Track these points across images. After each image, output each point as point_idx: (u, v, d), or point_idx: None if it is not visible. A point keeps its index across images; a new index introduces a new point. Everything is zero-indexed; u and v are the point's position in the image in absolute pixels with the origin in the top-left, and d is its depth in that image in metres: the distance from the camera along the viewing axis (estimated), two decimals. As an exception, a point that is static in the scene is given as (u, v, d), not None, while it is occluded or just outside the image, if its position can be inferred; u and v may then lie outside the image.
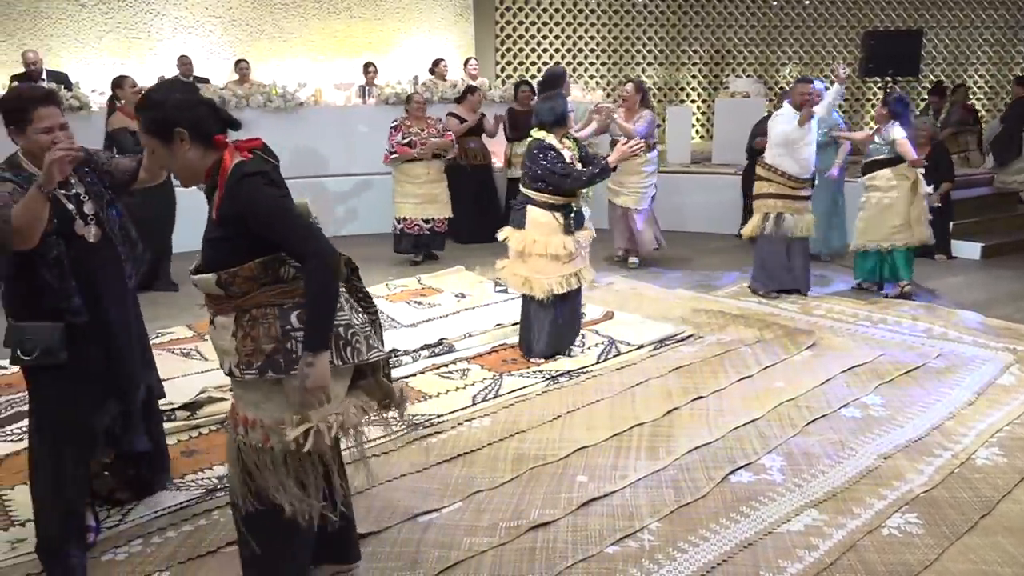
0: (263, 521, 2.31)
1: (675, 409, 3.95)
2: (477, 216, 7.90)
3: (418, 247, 7.32)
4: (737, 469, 3.36)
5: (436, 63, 9.52)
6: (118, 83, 6.32)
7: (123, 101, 6.15)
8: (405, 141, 7.03)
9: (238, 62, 9.20)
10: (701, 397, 4.09)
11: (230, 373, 2.25)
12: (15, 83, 7.75)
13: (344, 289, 2.33)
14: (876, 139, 5.88)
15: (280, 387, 2.19)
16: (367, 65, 9.70)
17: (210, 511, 3.06)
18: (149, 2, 10.21)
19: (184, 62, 9.15)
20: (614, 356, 4.71)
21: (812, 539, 2.86)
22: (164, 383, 3.20)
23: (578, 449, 3.54)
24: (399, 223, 7.19)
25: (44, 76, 8.18)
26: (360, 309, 2.37)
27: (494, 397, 4.15)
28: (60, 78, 8.29)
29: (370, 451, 3.50)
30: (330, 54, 11.07)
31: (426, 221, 7.18)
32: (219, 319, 2.23)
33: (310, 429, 2.17)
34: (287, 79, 8.93)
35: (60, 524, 2.64)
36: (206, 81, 8.83)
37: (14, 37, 9.45)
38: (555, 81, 4.76)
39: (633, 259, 7.14)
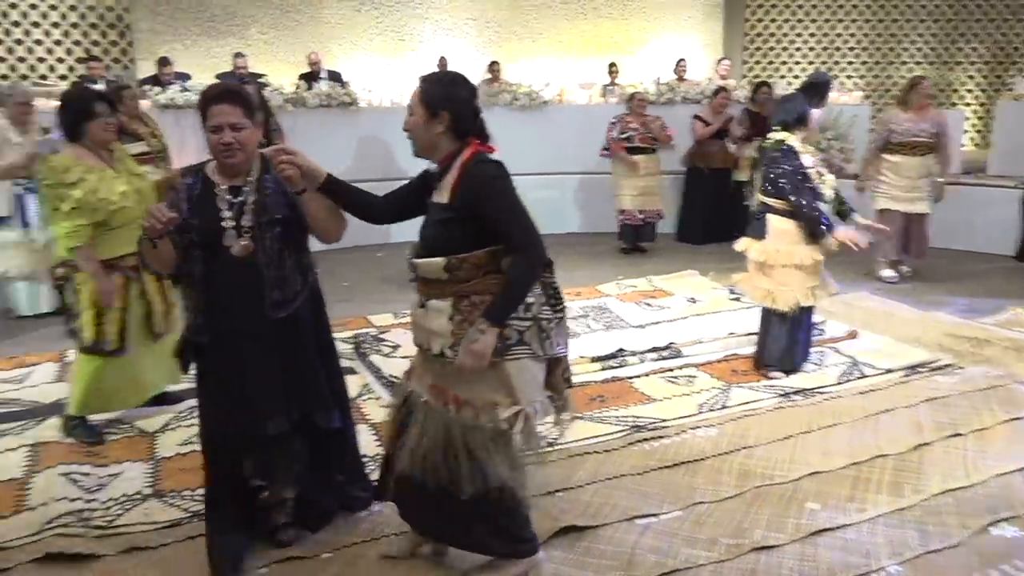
0: (483, 499, 2.42)
1: (926, 444, 3.58)
2: (711, 219, 7.81)
3: (636, 238, 7.64)
4: (999, 521, 2.98)
5: (677, 63, 9.44)
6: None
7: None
8: (623, 136, 7.32)
9: (491, 63, 9.66)
10: (959, 434, 3.67)
11: (441, 354, 2.35)
12: (302, 81, 8.70)
13: (539, 285, 2.41)
14: None
15: (493, 369, 2.30)
16: (611, 65, 9.79)
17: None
18: (415, 7, 11.02)
19: (441, 63, 9.76)
20: (857, 379, 4.37)
21: (1092, 614, 2.47)
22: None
23: (810, 473, 3.33)
24: (620, 215, 7.52)
25: (324, 75, 9.11)
26: (548, 306, 2.42)
27: (721, 408, 4.01)
28: (335, 76, 9.19)
29: (591, 448, 3.56)
30: (577, 54, 11.29)
31: (640, 212, 7.46)
32: (433, 303, 2.36)
33: (520, 411, 2.33)
34: (535, 78, 9.23)
35: (209, 509, 2.71)
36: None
37: (301, 40, 10.63)
38: (819, 88, 4.43)
39: (905, 268, 6.70)
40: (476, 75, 9.69)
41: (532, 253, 2.28)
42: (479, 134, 2.39)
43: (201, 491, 2.86)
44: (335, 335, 4.16)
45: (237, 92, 2.53)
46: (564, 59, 11.25)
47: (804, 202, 4.10)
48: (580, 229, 8.59)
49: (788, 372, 4.39)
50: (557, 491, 3.18)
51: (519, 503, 2.53)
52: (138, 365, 3.67)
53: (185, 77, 8.44)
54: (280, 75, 9.31)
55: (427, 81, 2.37)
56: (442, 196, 2.35)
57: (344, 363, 4.08)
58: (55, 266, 3.63)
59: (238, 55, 9.06)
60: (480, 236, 2.28)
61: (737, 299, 5.75)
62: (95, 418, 3.76)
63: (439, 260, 2.30)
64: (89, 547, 2.83)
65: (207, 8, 10.64)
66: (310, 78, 8.92)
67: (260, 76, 8.75)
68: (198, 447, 2.83)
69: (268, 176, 2.56)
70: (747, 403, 4.06)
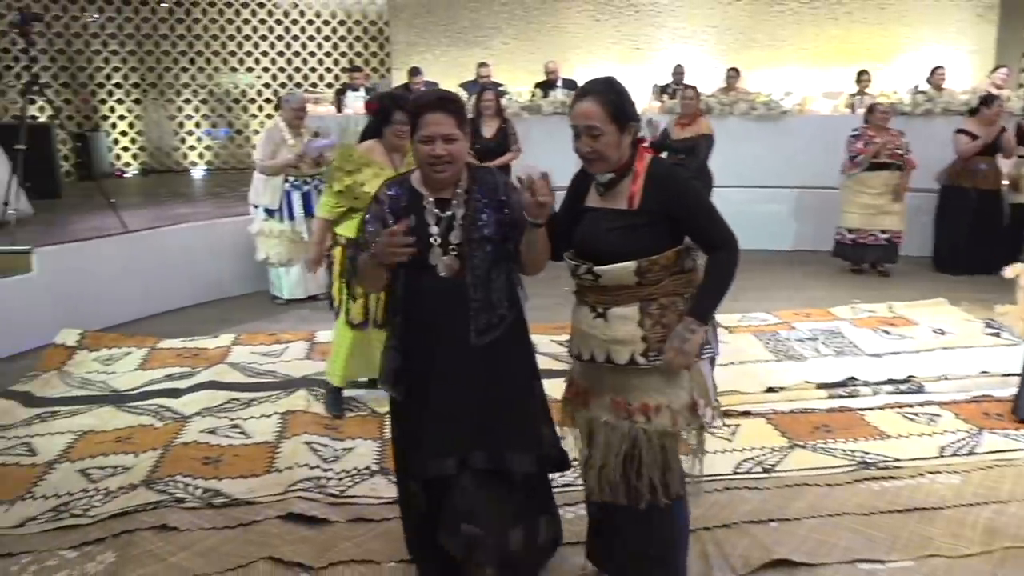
0: (665, 513, 2.35)
1: None
2: (973, 245, 6.96)
3: (865, 258, 7.11)
4: None
5: (934, 71, 8.62)
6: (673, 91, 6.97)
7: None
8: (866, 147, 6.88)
9: (729, 70, 9.39)
10: None
11: (631, 362, 2.24)
12: (537, 89, 8.99)
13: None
14: None
15: (688, 370, 2.28)
16: (860, 73, 9.14)
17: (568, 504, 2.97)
18: (654, 15, 10.98)
19: (678, 71, 9.63)
20: None
21: None
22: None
23: (1077, 542, 2.90)
24: (849, 232, 7.06)
25: (559, 83, 9.34)
26: None
27: (968, 454, 3.60)
28: (570, 85, 9.38)
29: (812, 480, 3.35)
30: (824, 61, 10.64)
31: (883, 232, 6.94)
32: (616, 310, 2.25)
33: (717, 408, 2.35)
34: (776, 87, 8.83)
35: (409, 536, 2.65)
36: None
37: (541, 49, 10.98)
38: None
39: None
40: (713, 83, 9.47)
41: (732, 249, 2.26)
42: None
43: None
44: (556, 338, 4.24)
45: (453, 100, 2.33)
46: (809, 67, 10.65)
47: None
48: (800, 246, 8.05)
49: None
50: (771, 520, 3.03)
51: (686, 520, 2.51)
52: (376, 346, 3.96)
53: (432, 86, 9.04)
54: (518, 83, 9.68)
55: (604, 95, 2.24)
56: (616, 202, 2.28)
57: (560, 366, 4.19)
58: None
59: (482, 64, 9.54)
60: (667, 238, 2.26)
61: (996, 334, 5.13)
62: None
63: (631, 264, 2.20)
64: (323, 512, 3.12)
65: (457, 20, 11.33)
66: (546, 86, 9.18)
67: (499, 85, 9.16)
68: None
69: (479, 189, 2.35)
70: (1001, 451, 3.60)
